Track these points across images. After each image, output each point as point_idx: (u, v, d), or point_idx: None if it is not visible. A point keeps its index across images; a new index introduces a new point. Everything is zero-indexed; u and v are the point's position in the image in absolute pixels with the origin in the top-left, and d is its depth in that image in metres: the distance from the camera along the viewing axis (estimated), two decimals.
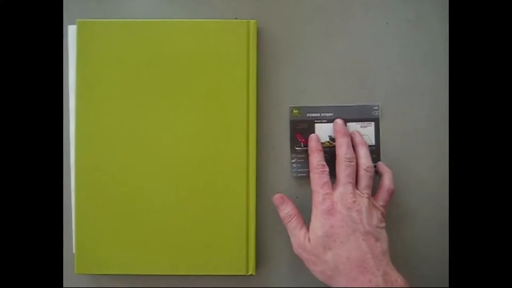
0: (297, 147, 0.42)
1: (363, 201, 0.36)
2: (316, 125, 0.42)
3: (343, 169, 0.38)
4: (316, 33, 0.43)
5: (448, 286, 0.34)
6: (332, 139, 0.42)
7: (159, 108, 0.40)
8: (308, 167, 0.40)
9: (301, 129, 0.42)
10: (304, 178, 0.42)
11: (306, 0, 0.43)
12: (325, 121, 0.42)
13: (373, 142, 0.43)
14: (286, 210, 0.39)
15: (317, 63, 0.43)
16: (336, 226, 0.35)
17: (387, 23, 0.43)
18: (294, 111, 0.42)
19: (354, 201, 0.36)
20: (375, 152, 0.43)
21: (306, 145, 0.42)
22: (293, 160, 0.42)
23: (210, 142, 0.40)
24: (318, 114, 0.43)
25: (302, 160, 0.42)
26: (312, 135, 0.41)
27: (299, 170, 0.42)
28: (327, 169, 0.38)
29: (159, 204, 0.40)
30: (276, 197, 0.40)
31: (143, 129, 0.40)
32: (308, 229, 0.37)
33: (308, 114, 0.42)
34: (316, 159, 0.39)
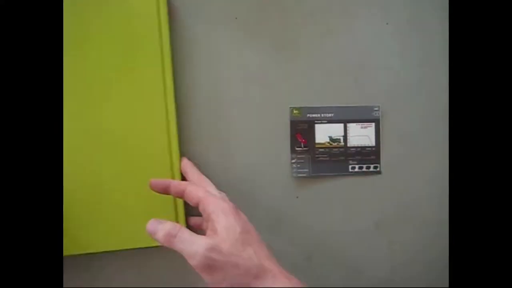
0: (297, 147, 0.42)
1: None
2: (316, 125, 0.42)
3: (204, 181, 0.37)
4: (316, 33, 0.43)
5: (448, 286, 0.34)
6: (332, 140, 0.42)
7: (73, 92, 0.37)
8: (308, 168, 0.40)
9: (301, 129, 0.42)
10: (304, 178, 0.42)
11: (306, 0, 0.43)
12: (325, 121, 0.42)
13: (373, 143, 0.43)
14: (168, 224, 0.32)
15: (317, 63, 0.43)
16: (247, 223, 0.33)
17: (387, 23, 0.43)
18: (294, 111, 0.42)
19: None
20: (375, 153, 0.43)
21: (306, 145, 0.42)
22: (293, 160, 0.42)
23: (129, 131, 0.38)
24: (318, 115, 0.43)
25: (302, 160, 0.42)
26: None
27: (299, 170, 0.42)
28: None
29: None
30: (150, 222, 0.33)
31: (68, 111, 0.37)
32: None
33: (308, 115, 0.42)
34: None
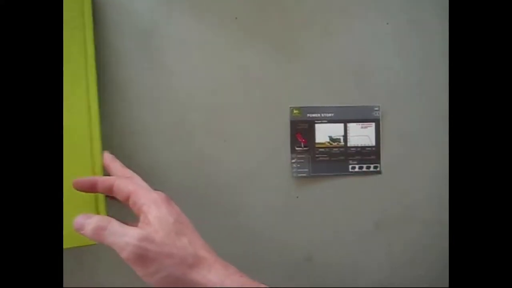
0: (297, 147, 0.42)
1: None
2: (316, 125, 0.42)
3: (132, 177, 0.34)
4: (316, 33, 0.43)
5: (448, 286, 0.34)
6: (332, 139, 0.42)
7: None
8: (308, 167, 0.40)
9: (301, 129, 0.42)
10: (304, 178, 0.42)
11: (306, 0, 0.43)
12: (325, 121, 0.42)
13: (373, 143, 0.43)
14: (96, 218, 0.31)
15: (317, 63, 0.43)
16: (181, 214, 0.32)
17: (387, 23, 0.43)
18: (294, 111, 0.42)
19: None
20: (375, 153, 0.43)
21: (306, 145, 0.42)
22: (293, 160, 0.42)
23: None
24: (318, 114, 0.43)
25: (302, 160, 0.42)
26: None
27: (299, 170, 0.42)
28: None
29: None
30: (77, 217, 0.31)
31: None
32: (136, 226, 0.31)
33: (308, 114, 0.42)
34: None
